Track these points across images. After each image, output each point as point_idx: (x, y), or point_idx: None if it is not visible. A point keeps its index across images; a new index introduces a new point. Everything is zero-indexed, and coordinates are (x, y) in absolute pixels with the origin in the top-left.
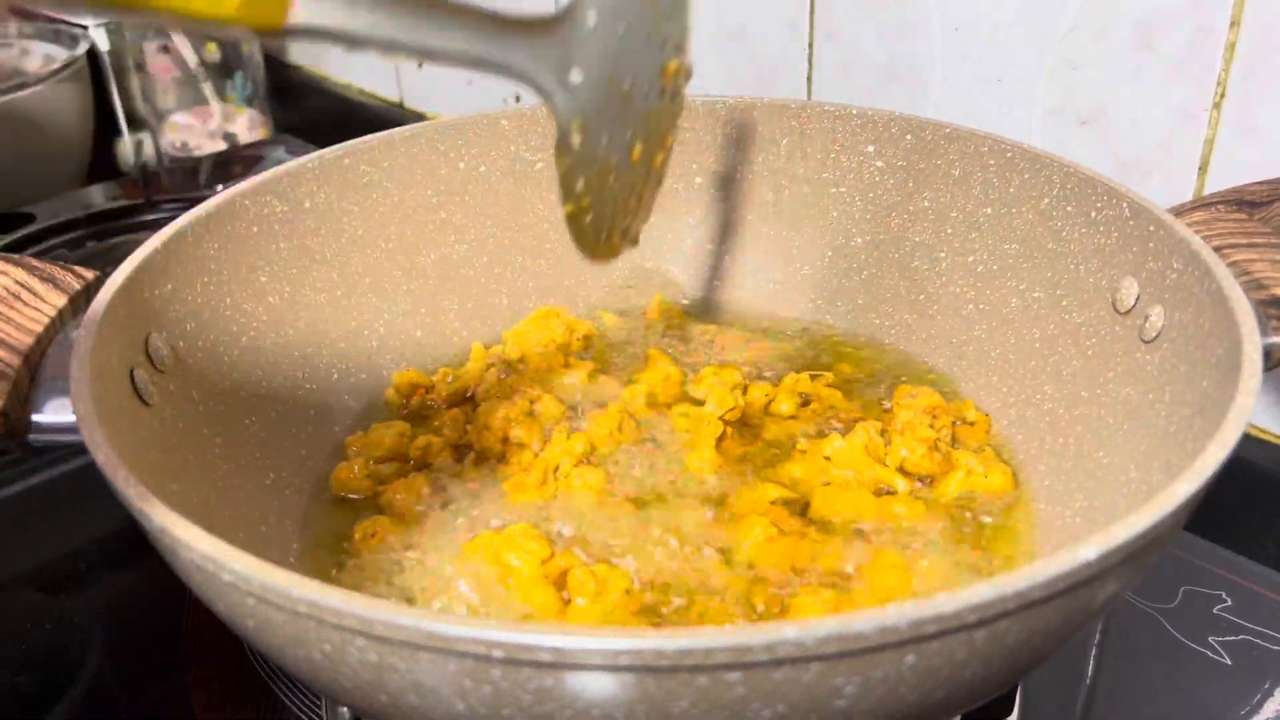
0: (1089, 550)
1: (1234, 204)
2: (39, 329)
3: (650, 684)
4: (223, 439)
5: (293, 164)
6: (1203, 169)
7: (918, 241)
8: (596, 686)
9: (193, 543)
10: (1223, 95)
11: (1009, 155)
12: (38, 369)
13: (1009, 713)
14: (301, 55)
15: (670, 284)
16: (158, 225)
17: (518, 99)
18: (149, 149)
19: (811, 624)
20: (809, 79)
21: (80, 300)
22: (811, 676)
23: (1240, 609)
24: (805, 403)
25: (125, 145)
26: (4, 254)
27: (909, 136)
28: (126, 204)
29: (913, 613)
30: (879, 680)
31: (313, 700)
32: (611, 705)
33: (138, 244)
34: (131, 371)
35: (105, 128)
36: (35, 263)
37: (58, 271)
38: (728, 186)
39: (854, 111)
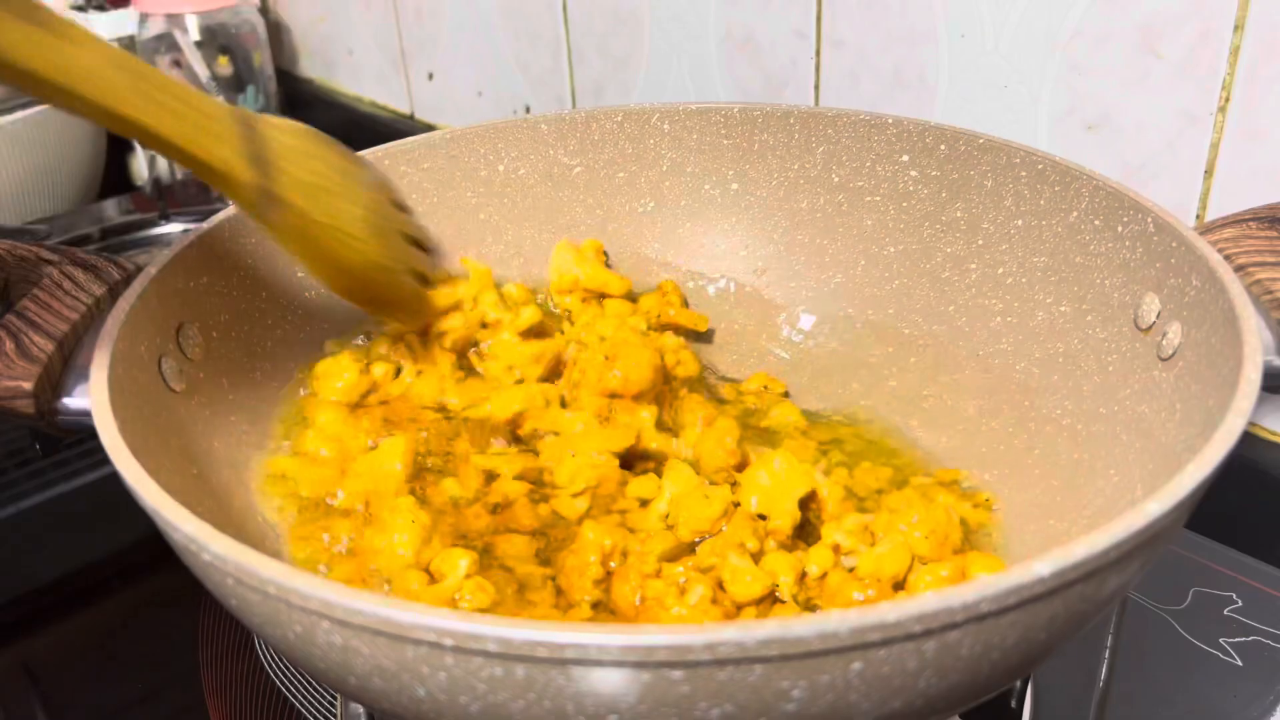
0: (1043, 566)
1: (1267, 221)
2: (76, 316)
3: (596, 677)
4: (248, 426)
5: None
6: (1208, 173)
7: (949, 252)
8: (544, 679)
9: (179, 524)
10: (1227, 99)
11: (1040, 167)
12: (72, 354)
13: (1019, 715)
14: (312, 68)
15: (701, 290)
16: (171, 239)
17: (528, 110)
18: (162, 163)
19: (751, 626)
20: (816, 86)
21: (120, 290)
22: (756, 678)
23: (1251, 610)
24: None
25: (139, 159)
26: (53, 245)
27: (943, 147)
28: (139, 218)
29: (855, 620)
30: (826, 685)
31: (328, 706)
32: (560, 697)
33: (151, 258)
34: (160, 359)
35: (118, 142)
36: (80, 253)
37: (100, 262)
38: (763, 193)
39: (889, 120)
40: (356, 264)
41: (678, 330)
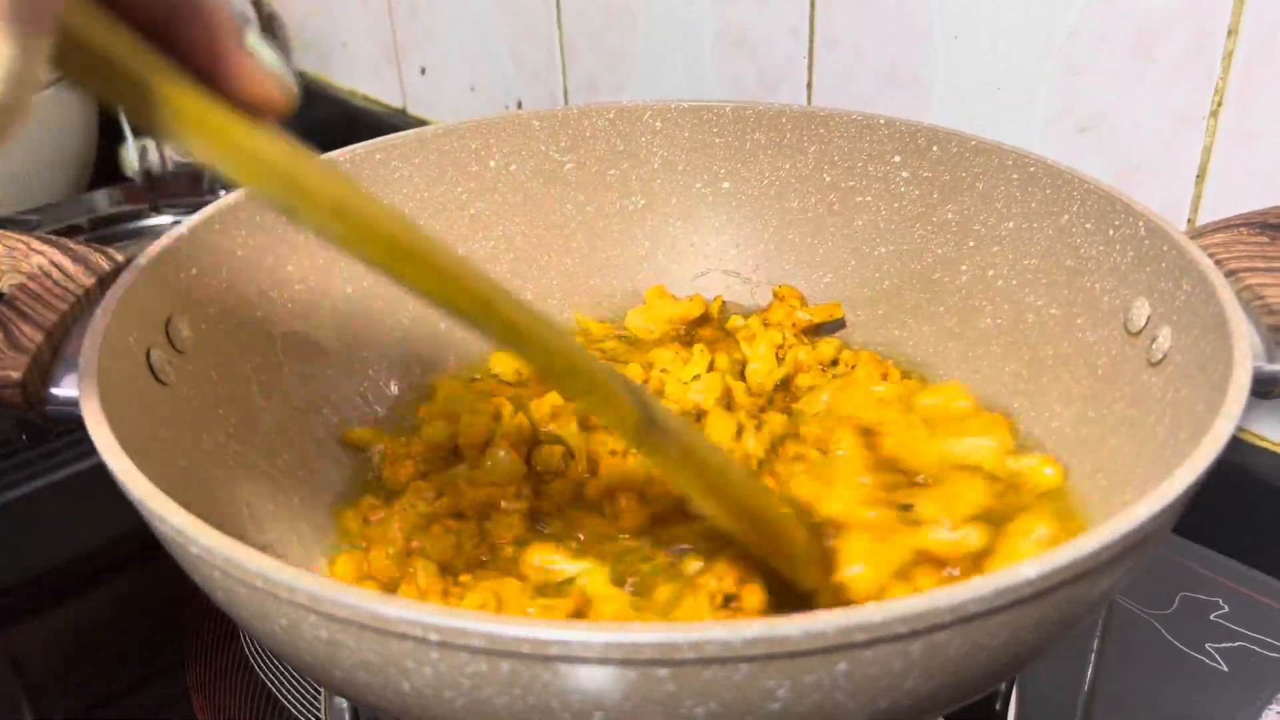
0: (1031, 568)
1: (1258, 226)
2: (65, 307)
3: (582, 675)
4: (237, 419)
5: (324, 158)
6: (1201, 176)
7: (939, 254)
8: (529, 675)
9: (167, 516)
10: (1220, 103)
11: (1032, 170)
12: (60, 345)
13: (1004, 717)
14: (306, 61)
15: (692, 289)
16: (160, 230)
17: (519, 105)
18: (153, 154)
19: (738, 625)
20: (809, 85)
21: (109, 281)
22: (741, 677)
23: (1238, 616)
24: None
25: (129, 150)
26: (43, 235)
27: (935, 148)
28: (130, 209)
29: (840, 620)
30: (812, 685)
31: (313, 700)
32: (546, 694)
33: (141, 249)
34: (148, 351)
35: (109, 133)
36: (70, 244)
37: (90, 253)
38: (754, 192)
39: (882, 121)
40: (750, 499)
41: (817, 329)
